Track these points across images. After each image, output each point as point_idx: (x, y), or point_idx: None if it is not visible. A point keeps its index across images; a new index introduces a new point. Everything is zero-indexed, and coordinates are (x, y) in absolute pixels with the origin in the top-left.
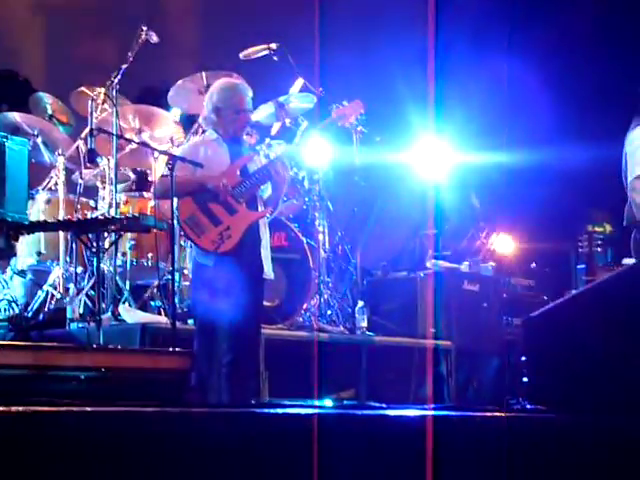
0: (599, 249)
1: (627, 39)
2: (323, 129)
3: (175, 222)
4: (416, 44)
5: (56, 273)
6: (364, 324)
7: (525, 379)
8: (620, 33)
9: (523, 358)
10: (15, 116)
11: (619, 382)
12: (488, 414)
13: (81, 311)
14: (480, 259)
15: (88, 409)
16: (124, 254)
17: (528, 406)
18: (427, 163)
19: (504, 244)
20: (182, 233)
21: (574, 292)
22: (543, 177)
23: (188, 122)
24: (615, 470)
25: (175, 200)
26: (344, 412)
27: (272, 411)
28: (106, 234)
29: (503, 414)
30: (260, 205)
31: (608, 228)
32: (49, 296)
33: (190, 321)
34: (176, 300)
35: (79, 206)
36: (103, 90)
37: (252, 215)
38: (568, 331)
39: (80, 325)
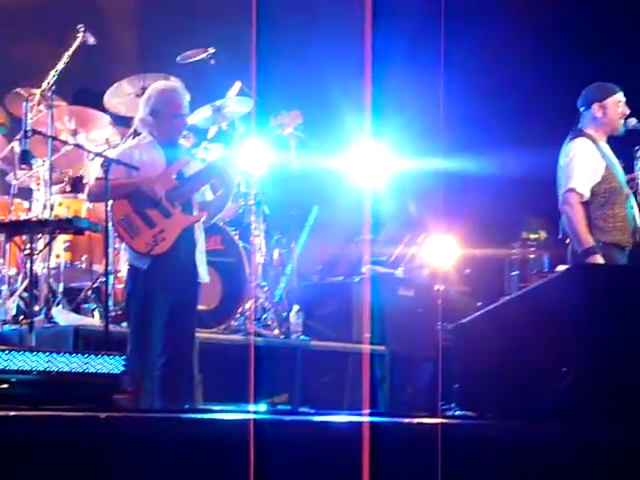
0: (532, 256)
1: (566, 48)
2: (260, 134)
3: (110, 224)
4: (353, 50)
5: None
6: (299, 328)
7: (456, 385)
8: (559, 43)
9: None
10: None
11: (547, 388)
12: (421, 420)
13: (14, 313)
14: (416, 265)
15: (12, 413)
16: (58, 256)
17: (458, 412)
18: (364, 169)
19: (440, 250)
20: (116, 234)
21: (504, 299)
22: (479, 184)
23: (125, 124)
24: (544, 475)
25: (110, 201)
26: (280, 418)
27: (207, 416)
28: (40, 236)
29: (435, 420)
30: (196, 209)
31: (543, 235)
32: None
33: (124, 324)
34: (110, 302)
35: (13, 207)
36: (39, 91)
37: (187, 219)
38: (497, 337)
39: (12, 327)
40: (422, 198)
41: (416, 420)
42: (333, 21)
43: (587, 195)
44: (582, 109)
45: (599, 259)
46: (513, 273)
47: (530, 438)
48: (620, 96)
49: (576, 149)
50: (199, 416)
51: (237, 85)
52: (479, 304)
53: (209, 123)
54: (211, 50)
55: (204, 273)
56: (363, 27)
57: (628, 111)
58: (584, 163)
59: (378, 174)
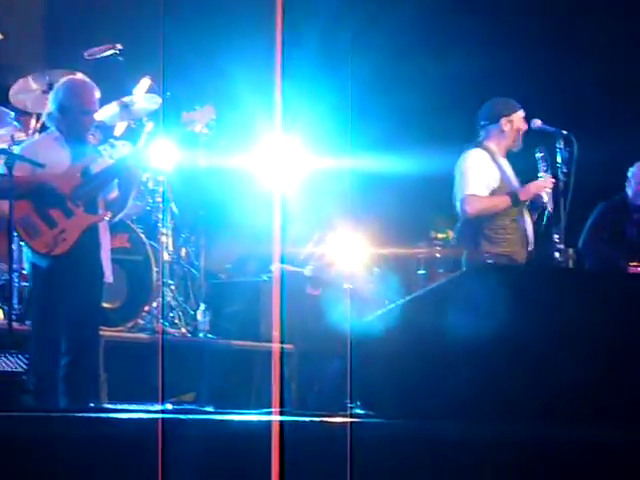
0: (439, 255)
1: (476, 46)
2: (169, 131)
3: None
4: (263, 46)
5: None
6: (206, 327)
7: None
8: (469, 42)
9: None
10: None
11: (447, 387)
12: (328, 419)
13: None
14: (324, 264)
15: None
16: None
17: (359, 411)
18: (274, 167)
19: (348, 249)
20: (15, 234)
21: (406, 297)
22: (389, 183)
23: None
24: (444, 471)
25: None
26: (189, 416)
27: (112, 415)
28: None
29: (341, 419)
30: (101, 208)
31: (451, 235)
32: None
33: (28, 322)
34: (14, 301)
35: None
36: None
37: (89, 218)
38: (398, 336)
39: None
40: (331, 196)
41: (323, 419)
42: (242, 16)
43: None
44: (485, 122)
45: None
46: (420, 272)
47: (429, 436)
48: (522, 113)
49: (473, 159)
50: (104, 415)
51: (145, 82)
52: (387, 302)
53: (116, 120)
54: (119, 46)
55: (109, 273)
56: (273, 22)
57: (526, 127)
58: (480, 172)
59: (288, 172)
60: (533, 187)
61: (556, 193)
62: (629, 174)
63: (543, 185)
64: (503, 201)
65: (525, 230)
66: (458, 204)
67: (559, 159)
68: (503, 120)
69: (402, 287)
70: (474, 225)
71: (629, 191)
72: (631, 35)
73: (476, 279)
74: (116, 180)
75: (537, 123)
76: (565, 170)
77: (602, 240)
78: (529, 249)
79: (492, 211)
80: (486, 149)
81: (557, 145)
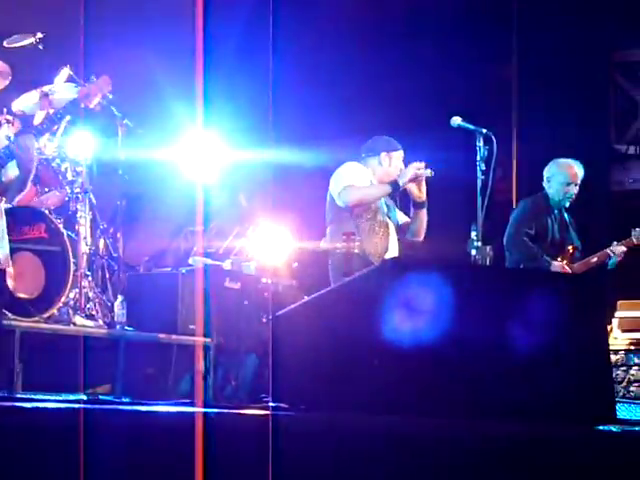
0: (357, 250)
1: (395, 39)
2: (82, 119)
3: None
4: (184, 37)
5: None
6: (123, 319)
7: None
8: (387, 35)
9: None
10: None
11: (359, 380)
12: (249, 411)
13: None
14: (243, 258)
15: None
16: None
17: (272, 404)
18: (194, 159)
19: (268, 243)
20: None
21: (321, 291)
22: (310, 176)
23: None
24: (360, 464)
25: None
26: (109, 407)
27: (30, 405)
28: None
29: (261, 411)
30: None
31: None
32: None
33: None
34: None
35: None
36: None
37: None
38: (312, 329)
39: None
40: (252, 190)
41: (244, 411)
42: (163, 7)
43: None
44: (366, 155)
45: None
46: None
47: (341, 429)
48: (402, 153)
49: (348, 166)
50: (21, 405)
51: (65, 71)
52: (305, 297)
53: (36, 109)
54: (39, 35)
55: (6, 259)
56: (194, 13)
57: (404, 167)
58: (356, 172)
59: (208, 165)
60: (410, 169)
61: (474, 191)
62: (547, 174)
63: (418, 166)
64: (382, 188)
65: (390, 232)
66: (338, 201)
67: (478, 157)
68: (383, 154)
69: (321, 282)
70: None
71: (549, 190)
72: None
73: (389, 274)
74: (10, 162)
75: (457, 121)
76: (484, 168)
77: (527, 235)
78: (397, 248)
79: (372, 198)
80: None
81: (477, 143)
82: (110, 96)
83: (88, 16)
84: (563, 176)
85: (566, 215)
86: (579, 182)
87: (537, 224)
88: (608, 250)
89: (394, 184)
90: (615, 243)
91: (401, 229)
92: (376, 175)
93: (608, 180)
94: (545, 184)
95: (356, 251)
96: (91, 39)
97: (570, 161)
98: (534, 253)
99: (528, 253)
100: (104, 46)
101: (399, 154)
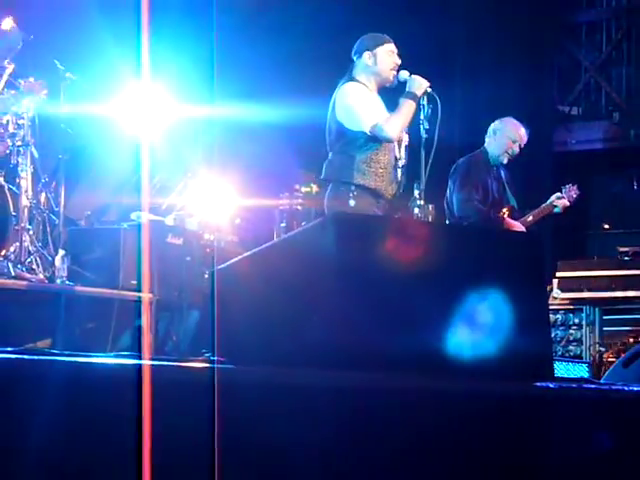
0: (300, 208)
1: None
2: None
3: None
4: None
5: None
6: (64, 273)
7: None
8: None
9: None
10: None
11: (299, 335)
12: (192, 364)
13: None
14: (186, 213)
15: None
16: None
17: (212, 358)
18: (138, 114)
19: (212, 199)
20: None
21: (262, 246)
22: (256, 133)
23: None
24: (302, 419)
25: None
26: (47, 359)
27: None
28: None
29: (203, 364)
30: None
31: (315, 188)
32: None
33: None
34: None
35: None
36: None
37: None
38: (252, 284)
39: None
40: (196, 146)
41: (187, 364)
42: None
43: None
44: (355, 57)
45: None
46: (282, 225)
47: (278, 383)
48: (391, 46)
49: (352, 89)
50: None
51: (8, 22)
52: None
53: None
54: None
55: None
56: None
57: (399, 61)
58: (368, 99)
59: (152, 119)
60: (418, 78)
61: (417, 149)
62: (493, 127)
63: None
64: (409, 106)
65: (397, 169)
66: (367, 131)
67: (422, 116)
68: (366, 54)
69: (263, 238)
70: (347, 156)
71: (490, 146)
72: None
73: (331, 228)
74: None
75: (404, 75)
76: (427, 127)
77: (476, 199)
78: (397, 188)
79: (406, 124)
80: (359, 82)
81: (421, 102)
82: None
83: None
84: (512, 132)
85: (503, 173)
86: (522, 145)
87: (481, 184)
88: (553, 202)
89: (413, 96)
90: (557, 195)
91: None
92: (370, 80)
93: (551, 141)
94: (487, 138)
95: None
96: None
97: (519, 123)
98: (489, 217)
99: (481, 217)
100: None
101: (385, 48)
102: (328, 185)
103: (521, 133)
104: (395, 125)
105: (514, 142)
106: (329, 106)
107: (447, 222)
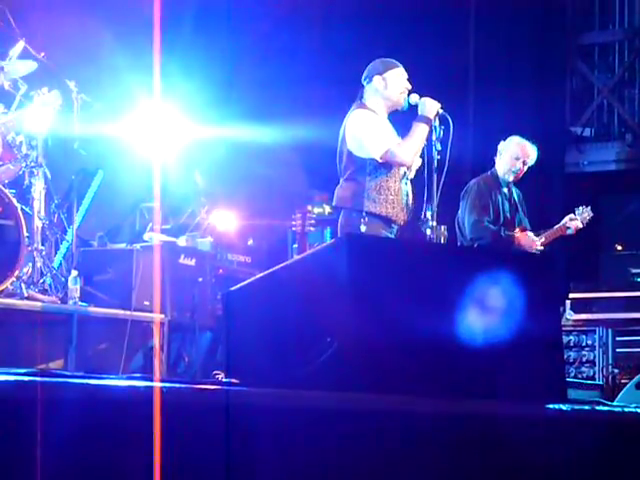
0: (312, 229)
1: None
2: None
3: None
4: (142, 11)
5: None
6: (77, 294)
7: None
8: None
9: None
10: None
11: (312, 357)
12: (205, 386)
13: None
14: (199, 234)
15: None
16: None
17: (224, 379)
18: (151, 135)
19: (224, 220)
20: None
21: (274, 268)
22: (267, 154)
23: None
24: (315, 443)
25: None
26: (61, 381)
27: None
28: None
29: (216, 386)
30: None
31: (327, 209)
32: None
33: None
34: None
35: None
36: None
37: None
38: (265, 306)
39: None
40: (208, 167)
41: (200, 386)
42: None
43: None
44: (365, 82)
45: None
46: (294, 246)
47: (292, 406)
48: (401, 70)
49: (362, 116)
50: None
51: (20, 44)
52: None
53: None
54: None
55: None
56: None
57: (409, 86)
58: (378, 125)
59: (165, 141)
60: (429, 100)
61: (430, 171)
62: (500, 148)
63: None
64: (422, 130)
65: (407, 195)
66: (378, 159)
67: (434, 137)
68: (376, 78)
69: (276, 259)
70: (357, 183)
71: (497, 166)
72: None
73: (343, 250)
74: None
75: (414, 98)
76: (439, 148)
77: (487, 220)
78: (408, 213)
79: (420, 148)
80: (369, 109)
81: (433, 123)
82: (61, 108)
83: None
84: (514, 150)
85: (515, 193)
86: (528, 162)
87: (492, 205)
88: (566, 223)
89: (425, 120)
90: (570, 217)
91: None
92: (380, 104)
93: (563, 162)
94: (497, 158)
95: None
96: (47, 12)
97: (525, 140)
98: (502, 238)
99: (493, 238)
100: (60, 19)
101: (395, 72)
102: (340, 211)
103: (525, 151)
104: (408, 149)
105: (517, 159)
106: (340, 133)
107: (459, 243)
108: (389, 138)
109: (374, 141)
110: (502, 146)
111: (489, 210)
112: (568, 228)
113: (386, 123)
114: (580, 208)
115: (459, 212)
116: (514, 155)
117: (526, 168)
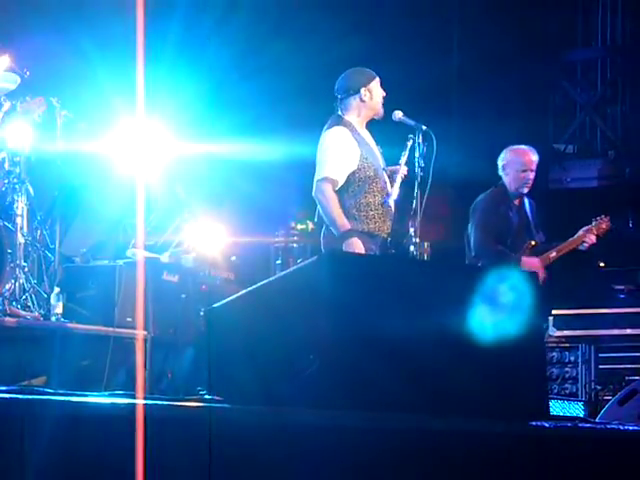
0: (295, 245)
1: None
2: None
3: None
4: (125, 29)
5: None
6: (59, 310)
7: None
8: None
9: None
10: None
11: (295, 374)
12: (188, 403)
13: None
14: (182, 250)
15: None
16: None
17: (207, 396)
18: (133, 151)
19: (207, 236)
20: None
21: (257, 284)
22: (251, 171)
23: None
24: (300, 461)
25: None
26: (43, 398)
27: None
28: None
29: (199, 403)
30: None
31: (310, 226)
32: None
33: None
34: None
35: None
36: None
37: None
38: (247, 323)
39: None
40: (192, 183)
41: (183, 403)
42: None
43: (341, 182)
44: (343, 95)
45: (357, 243)
46: (277, 262)
47: (275, 423)
48: (378, 78)
49: (332, 137)
50: None
51: (4, 60)
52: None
53: None
54: None
55: None
56: (134, 4)
57: (384, 93)
58: (339, 152)
59: (148, 157)
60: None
61: (412, 187)
62: (501, 162)
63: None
64: (341, 221)
65: (389, 206)
66: (314, 185)
67: (417, 153)
68: (363, 90)
69: (259, 276)
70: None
71: (506, 179)
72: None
73: (326, 266)
74: None
75: (398, 115)
76: (422, 165)
77: (495, 239)
78: (392, 221)
79: (328, 221)
80: (346, 124)
81: (416, 139)
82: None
83: (27, 5)
84: (519, 163)
85: (527, 203)
86: (534, 167)
87: (500, 222)
88: (581, 236)
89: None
90: (585, 229)
91: None
92: (361, 116)
93: (547, 178)
94: (501, 172)
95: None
96: (30, 28)
97: (524, 147)
98: (506, 256)
99: (500, 258)
100: (44, 36)
101: (376, 82)
102: (322, 226)
103: (529, 158)
104: (325, 204)
105: (524, 171)
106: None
107: (466, 260)
108: (341, 169)
109: (323, 165)
110: (502, 161)
111: (497, 226)
112: (583, 242)
113: (354, 146)
114: (598, 218)
115: (468, 227)
116: (520, 168)
117: (534, 174)
